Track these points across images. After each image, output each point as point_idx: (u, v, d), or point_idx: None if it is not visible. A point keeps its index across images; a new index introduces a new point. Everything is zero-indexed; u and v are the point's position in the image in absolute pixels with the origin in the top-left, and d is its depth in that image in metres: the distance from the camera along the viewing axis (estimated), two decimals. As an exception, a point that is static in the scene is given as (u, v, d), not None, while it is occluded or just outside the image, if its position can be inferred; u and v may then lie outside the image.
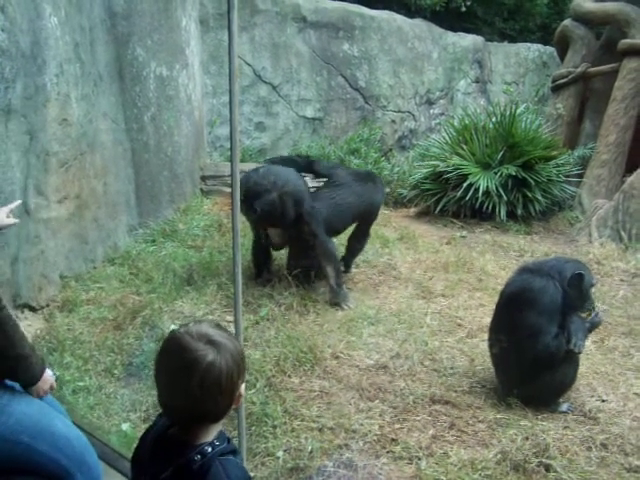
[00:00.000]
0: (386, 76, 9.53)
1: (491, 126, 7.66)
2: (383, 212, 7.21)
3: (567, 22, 8.91)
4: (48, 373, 1.95)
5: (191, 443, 1.41)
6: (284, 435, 3.00)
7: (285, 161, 5.47)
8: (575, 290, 3.27)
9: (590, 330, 3.38)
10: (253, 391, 3.29)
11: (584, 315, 3.39)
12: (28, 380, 1.88)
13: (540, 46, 11.75)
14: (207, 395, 1.36)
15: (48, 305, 4.23)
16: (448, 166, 7.25)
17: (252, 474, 2.76)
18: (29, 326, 3.90)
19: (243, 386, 1.45)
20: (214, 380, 1.35)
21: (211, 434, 1.43)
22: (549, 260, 3.47)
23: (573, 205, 7.50)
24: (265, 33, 8.30)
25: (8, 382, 1.88)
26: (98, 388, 3.40)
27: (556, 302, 3.22)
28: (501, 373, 3.45)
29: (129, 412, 3.23)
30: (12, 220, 2.16)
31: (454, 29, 10.73)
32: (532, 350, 3.18)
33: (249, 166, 7.16)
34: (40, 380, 1.91)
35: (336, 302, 4.60)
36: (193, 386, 1.34)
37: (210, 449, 1.40)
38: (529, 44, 11.81)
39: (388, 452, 2.92)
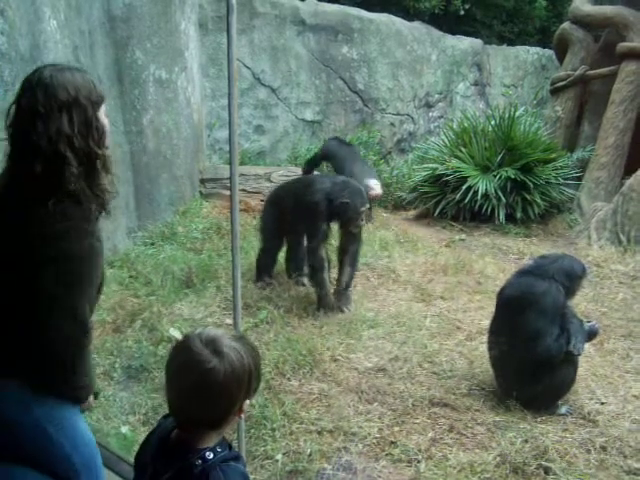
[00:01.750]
0: (385, 79, 9.54)
1: (490, 129, 7.67)
2: (382, 215, 7.24)
3: (566, 25, 8.92)
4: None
5: (193, 447, 1.41)
6: (283, 438, 2.99)
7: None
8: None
9: (589, 338, 3.38)
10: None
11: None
12: (67, 399, 1.87)
13: (539, 49, 11.76)
14: (197, 400, 1.38)
15: (47, 308, 4.22)
16: (447, 169, 7.26)
17: (252, 477, 2.75)
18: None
19: (247, 402, 1.46)
20: (206, 387, 1.36)
21: (212, 440, 1.43)
22: (546, 261, 3.46)
23: (572, 208, 7.50)
24: (264, 36, 8.30)
25: None
26: (97, 391, 3.40)
27: (558, 304, 3.24)
28: (500, 376, 3.45)
29: (128, 415, 3.23)
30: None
31: (453, 32, 10.74)
32: (533, 352, 3.19)
33: (248, 169, 7.21)
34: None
35: (338, 304, 4.58)
36: (185, 387, 1.39)
37: (212, 455, 1.41)
38: (528, 47, 11.82)
39: (387, 455, 2.92)
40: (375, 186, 6.47)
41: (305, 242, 4.80)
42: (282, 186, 5.38)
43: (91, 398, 1.96)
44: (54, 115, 1.63)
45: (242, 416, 1.48)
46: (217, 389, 1.36)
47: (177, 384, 1.42)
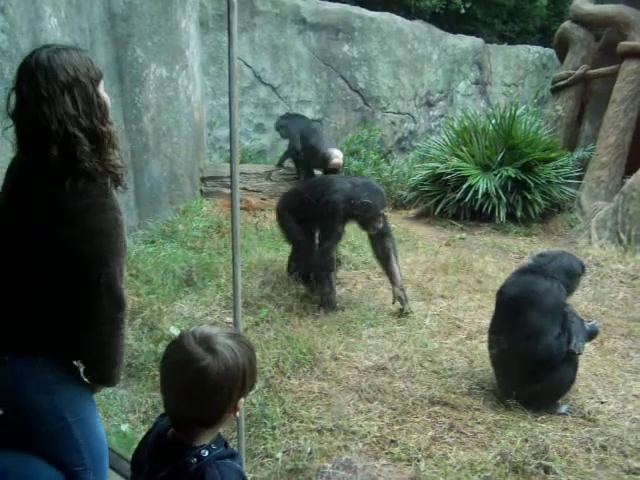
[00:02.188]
0: (386, 78, 9.53)
1: (491, 128, 7.66)
2: (382, 214, 7.22)
3: (567, 24, 8.91)
4: None
5: (188, 445, 1.41)
6: (283, 436, 3.00)
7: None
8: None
9: (590, 338, 3.38)
10: (252, 392, 3.28)
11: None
12: (99, 381, 1.88)
13: (540, 48, 11.75)
14: (191, 398, 1.37)
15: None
16: (448, 168, 7.26)
17: (251, 475, 2.76)
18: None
19: (242, 400, 1.45)
20: (200, 385, 1.36)
21: (207, 438, 1.43)
22: (545, 260, 3.45)
23: (572, 207, 7.49)
24: (265, 34, 8.30)
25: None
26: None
27: (560, 303, 3.23)
28: (500, 374, 3.44)
29: (128, 413, 3.23)
30: None
31: (454, 31, 10.73)
32: (534, 351, 3.18)
33: (249, 168, 7.21)
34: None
35: (403, 307, 4.49)
36: (179, 386, 1.38)
37: (207, 453, 1.41)
38: (529, 46, 11.80)
39: (387, 453, 2.92)
40: (338, 154, 6.62)
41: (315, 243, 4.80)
42: (290, 191, 5.36)
43: None
44: (57, 97, 1.65)
45: (238, 414, 1.48)
46: (211, 387, 1.36)
47: (171, 382, 1.41)
